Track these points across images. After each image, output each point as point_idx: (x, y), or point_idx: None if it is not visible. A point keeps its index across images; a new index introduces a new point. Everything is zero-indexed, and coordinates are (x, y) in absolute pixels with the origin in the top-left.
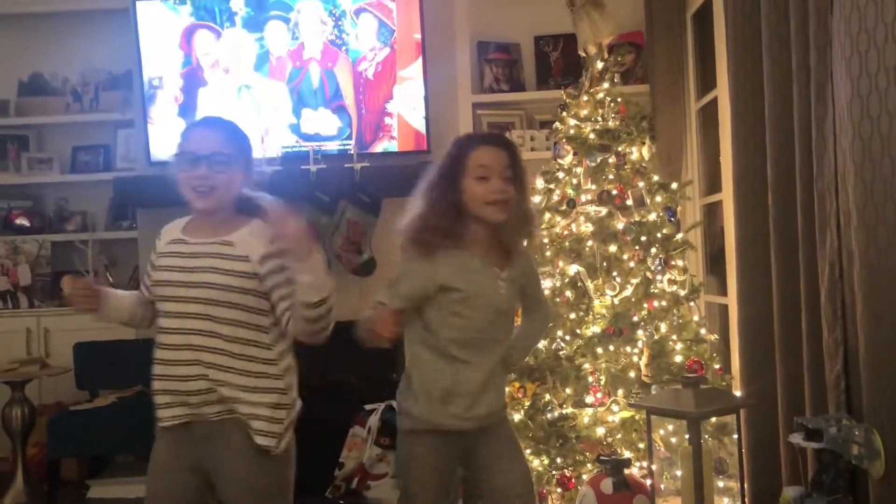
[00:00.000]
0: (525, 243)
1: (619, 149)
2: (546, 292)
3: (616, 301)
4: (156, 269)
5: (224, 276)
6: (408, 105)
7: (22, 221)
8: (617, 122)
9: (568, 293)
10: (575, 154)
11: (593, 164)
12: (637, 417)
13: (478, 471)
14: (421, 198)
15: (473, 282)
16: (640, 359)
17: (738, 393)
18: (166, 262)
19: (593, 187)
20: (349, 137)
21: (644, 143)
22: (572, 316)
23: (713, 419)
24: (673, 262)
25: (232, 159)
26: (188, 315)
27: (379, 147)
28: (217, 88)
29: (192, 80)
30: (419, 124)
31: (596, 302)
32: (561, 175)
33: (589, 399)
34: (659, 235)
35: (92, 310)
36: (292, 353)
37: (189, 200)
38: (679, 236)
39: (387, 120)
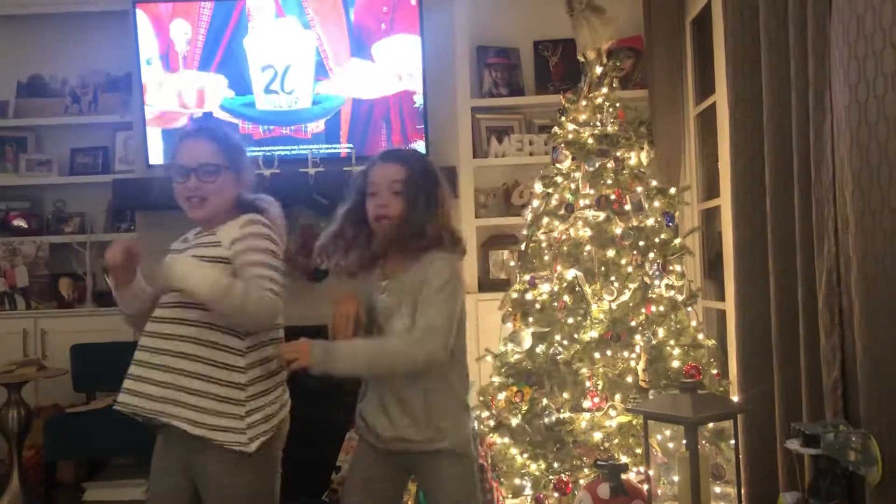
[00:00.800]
0: (431, 257)
1: (618, 154)
2: (544, 297)
3: (614, 306)
4: None
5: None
6: (407, 108)
7: (20, 223)
8: (616, 127)
9: (566, 298)
10: (573, 159)
11: (592, 169)
12: (634, 422)
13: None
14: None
15: (360, 291)
16: (637, 364)
17: (735, 398)
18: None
19: (592, 192)
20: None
21: (643, 148)
22: (570, 320)
23: (710, 424)
24: (671, 267)
25: (221, 169)
26: (165, 305)
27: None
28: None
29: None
30: (418, 128)
31: (594, 307)
32: (559, 180)
33: (586, 404)
34: (657, 240)
35: (127, 280)
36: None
37: (184, 210)
38: (677, 241)
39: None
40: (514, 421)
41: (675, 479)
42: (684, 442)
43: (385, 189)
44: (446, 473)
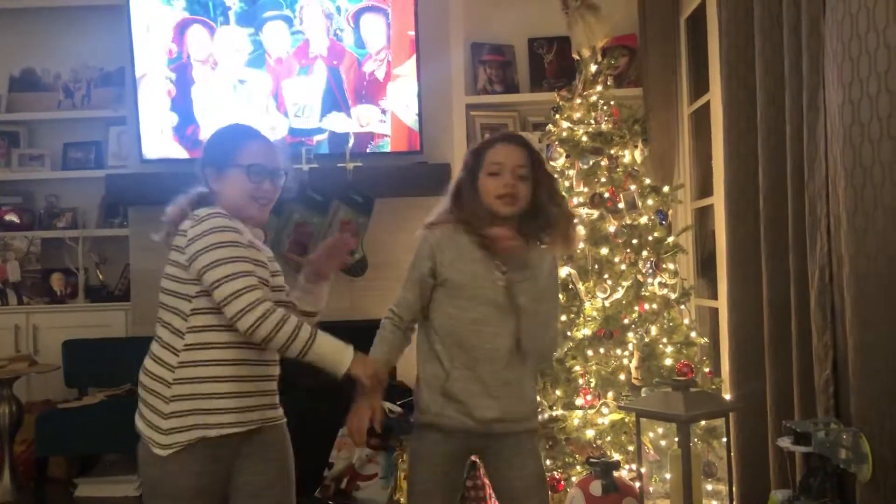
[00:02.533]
0: (549, 243)
1: (612, 152)
2: None
3: (607, 303)
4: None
5: None
6: (401, 105)
7: (12, 218)
8: (610, 125)
9: (559, 295)
10: (567, 156)
11: (586, 167)
12: (627, 420)
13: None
14: (447, 194)
15: (469, 272)
16: (630, 361)
17: (727, 396)
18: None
19: (585, 190)
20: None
21: (636, 147)
22: (563, 318)
23: (702, 422)
24: (664, 266)
25: (284, 176)
26: None
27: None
28: (211, 83)
29: (183, 75)
30: (412, 125)
31: (587, 304)
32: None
33: (579, 401)
34: (650, 238)
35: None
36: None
37: (243, 208)
38: (670, 240)
39: (381, 120)
40: None
41: (667, 476)
42: (676, 439)
43: (509, 171)
44: (535, 450)
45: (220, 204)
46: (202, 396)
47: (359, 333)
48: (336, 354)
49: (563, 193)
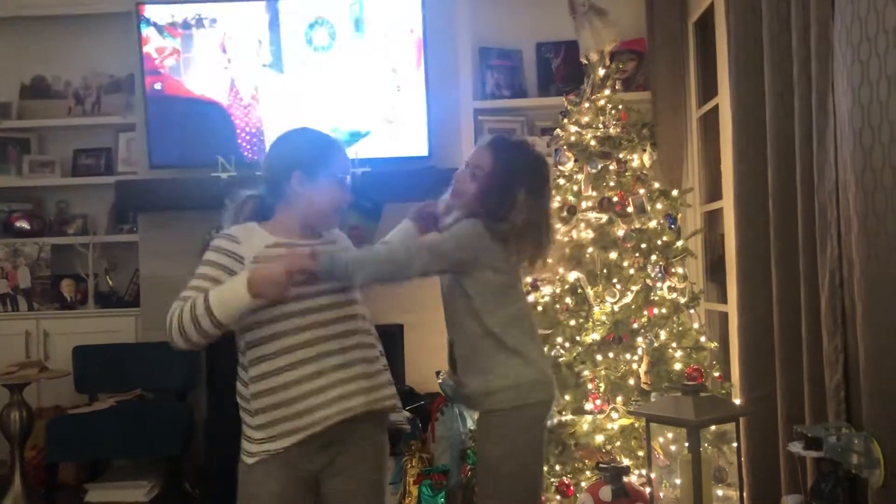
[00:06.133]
0: None
1: (620, 156)
2: (546, 299)
3: (616, 308)
4: None
5: None
6: (409, 110)
7: (22, 224)
8: (618, 130)
9: (568, 300)
10: (576, 161)
11: (594, 171)
12: (636, 425)
13: None
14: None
15: None
16: (639, 366)
17: (737, 401)
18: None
19: (594, 194)
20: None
21: (645, 151)
22: (572, 323)
23: (712, 427)
24: (673, 270)
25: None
26: None
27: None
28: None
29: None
30: (420, 130)
31: (596, 309)
32: (562, 182)
33: (588, 406)
34: (659, 243)
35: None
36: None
37: (328, 215)
38: (679, 244)
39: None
40: None
41: (677, 481)
42: (686, 445)
43: (470, 168)
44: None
45: (294, 207)
46: (283, 404)
47: None
48: (232, 294)
49: (572, 198)
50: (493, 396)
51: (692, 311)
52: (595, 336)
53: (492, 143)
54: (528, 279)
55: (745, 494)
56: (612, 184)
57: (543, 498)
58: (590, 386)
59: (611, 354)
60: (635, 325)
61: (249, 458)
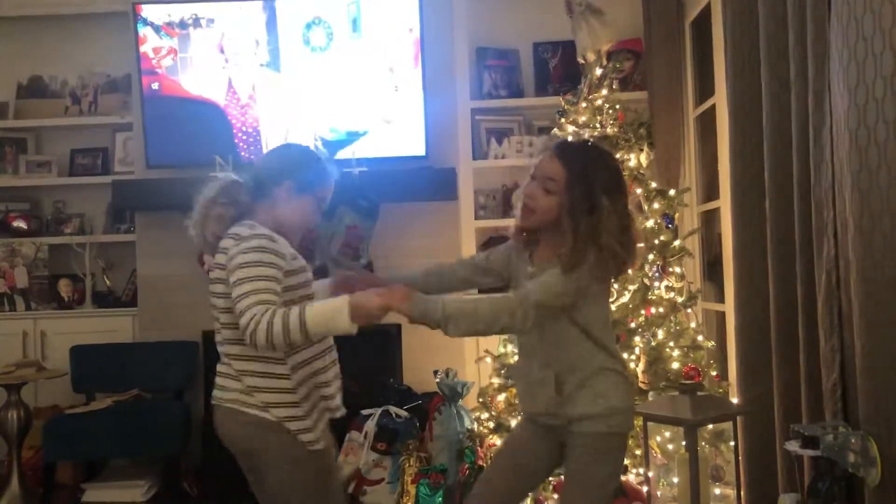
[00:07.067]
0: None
1: (617, 155)
2: None
3: (613, 307)
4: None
5: None
6: (406, 110)
7: (19, 224)
8: (615, 129)
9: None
10: None
11: None
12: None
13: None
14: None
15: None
16: (637, 365)
17: (734, 400)
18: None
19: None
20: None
21: (642, 150)
22: None
23: (710, 426)
24: (670, 269)
25: None
26: None
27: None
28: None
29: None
30: (418, 129)
31: None
32: None
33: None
34: (657, 242)
35: None
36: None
37: (296, 230)
38: (677, 243)
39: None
40: (514, 422)
41: (675, 480)
42: (684, 443)
43: (538, 180)
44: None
45: (268, 213)
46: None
47: (368, 339)
48: (329, 319)
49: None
50: (611, 418)
51: (689, 310)
52: None
53: (559, 149)
54: None
55: (742, 493)
56: None
57: (541, 497)
58: None
59: None
60: (633, 325)
61: (318, 444)
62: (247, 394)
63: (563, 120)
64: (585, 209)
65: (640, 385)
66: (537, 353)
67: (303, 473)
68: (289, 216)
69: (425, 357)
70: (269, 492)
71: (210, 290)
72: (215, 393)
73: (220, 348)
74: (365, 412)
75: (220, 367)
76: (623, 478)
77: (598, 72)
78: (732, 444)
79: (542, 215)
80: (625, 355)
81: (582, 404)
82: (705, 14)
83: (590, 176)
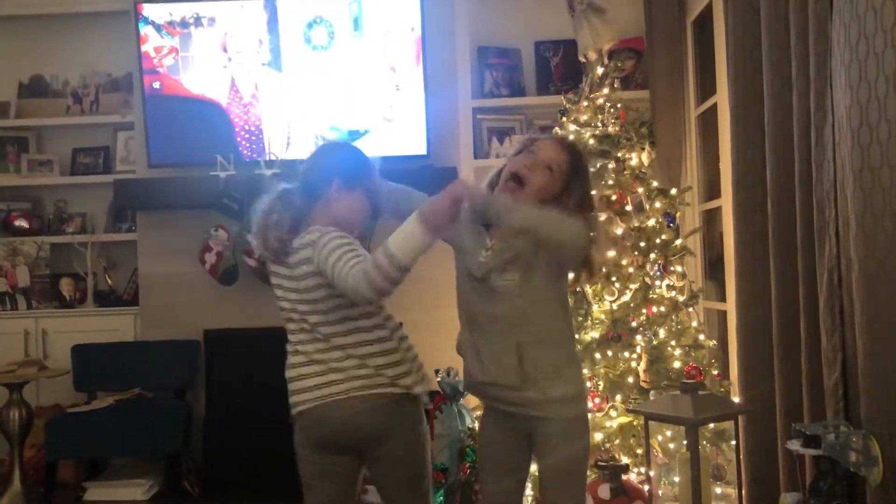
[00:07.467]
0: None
1: (619, 154)
2: None
3: (615, 306)
4: None
5: None
6: (408, 109)
7: (21, 223)
8: (617, 128)
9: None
10: None
11: (593, 170)
12: (635, 423)
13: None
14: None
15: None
16: (638, 364)
17: (736, 399)
18: None
19: (593, 192)
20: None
21: (644, 149)
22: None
23: (711, 425)
24: (672, 268)
25: None
26: None
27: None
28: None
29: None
30: (419, 128)
31: (595, 307)
32: None
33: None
34: (658, 241)
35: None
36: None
37: (354, 225)
38: (678, 242)
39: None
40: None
41: (676, 479)
42: (685, 443)
43: (539, 159)
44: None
45: (325, 214)
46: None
47: None
48: (407, 235)
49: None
50: (578, 401)
51: (691, 309)
52: (594, 334)
53: (563, 141)
54: None
55: (743, 492)
56: (610, 182)
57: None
58: (589, 384)
59: (610, 353)
60: (634, 324)
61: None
62: (377, 375)
63: (564, 119)
64: (582, 192)
65: (642, 384)
66: (499, 321)
67: (424, 429)
68: (344, 212)
69: (426, 356)
70: (398, 456)
71: (282, 296)
72: (330, 390)
73: (321, 345)
74: None
75: (332, 363)
76: (624, 477)
77: (600, 70)
78: (734, 443)
79: (534, 191)
80: (626, 354)
81: (555, 387)
82: (707, 13)
83: (585, 169)
